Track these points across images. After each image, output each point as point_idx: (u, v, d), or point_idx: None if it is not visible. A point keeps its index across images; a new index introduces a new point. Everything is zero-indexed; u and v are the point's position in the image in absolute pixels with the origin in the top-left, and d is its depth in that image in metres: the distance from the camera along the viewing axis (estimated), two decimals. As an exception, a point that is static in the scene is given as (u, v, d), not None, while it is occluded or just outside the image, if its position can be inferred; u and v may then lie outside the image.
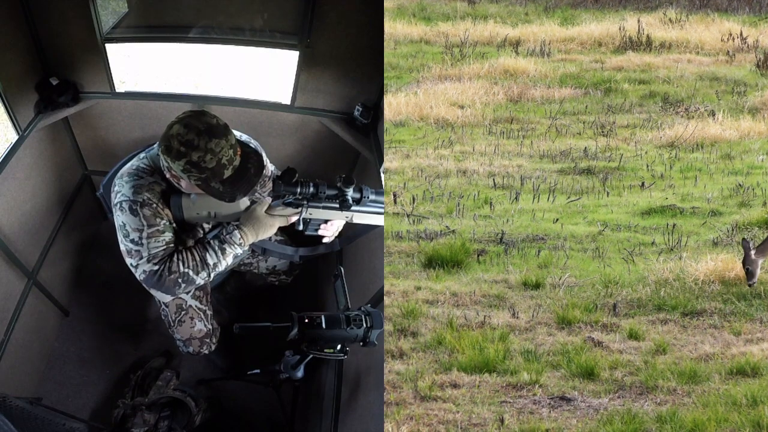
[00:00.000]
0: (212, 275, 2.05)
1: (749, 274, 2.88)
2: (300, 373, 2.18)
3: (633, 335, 2.74)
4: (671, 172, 3.90)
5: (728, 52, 5.16)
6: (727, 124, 4.27)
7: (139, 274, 1.95)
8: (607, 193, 3.71)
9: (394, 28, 5.70)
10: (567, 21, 5.85)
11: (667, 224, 3.36)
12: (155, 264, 1.93)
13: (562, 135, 4.32)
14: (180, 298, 2.41)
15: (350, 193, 1.98)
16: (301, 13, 2.86)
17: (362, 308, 1.84)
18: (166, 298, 1.99)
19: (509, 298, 2.95)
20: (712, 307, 2.88)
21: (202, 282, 2.07)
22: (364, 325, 1.79)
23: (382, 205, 2.09)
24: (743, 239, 2.93)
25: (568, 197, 3.68)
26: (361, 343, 1.82)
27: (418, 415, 2.37)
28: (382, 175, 2.67)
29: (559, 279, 3.03)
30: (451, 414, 2.39)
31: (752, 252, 2.86)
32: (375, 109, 3.00)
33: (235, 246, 2.05)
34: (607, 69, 5.13)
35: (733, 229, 3.34)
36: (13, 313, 2.81)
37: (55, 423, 2.34)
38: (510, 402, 2.45)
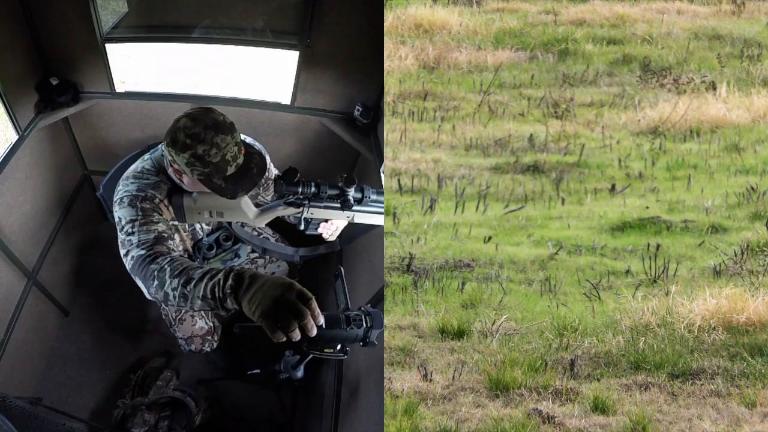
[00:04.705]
0: (170, 299, 1.70)
1: None
2: (300, 373, 2.15)
3: (599, 406, 1.96)
4: (654, 170, 2.85)
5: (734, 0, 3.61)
6: (734, 102, 3.02)
7: (128, 262, 1.85)
8: (563, 200, 2.71)
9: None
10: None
11: (648, 245, 2.43)
12: (142, 249, 1.83)
13: (497, 116, 3.06)
14: None
15: (352, 193, 1.97)
16: (301, 13, 2.85)
17: (362, 308, 1.79)
18: (147, 292, 1.82)
19: (420, 351, 2.14)
20: (714, 365, 2.07)
21: (156, 295, 1.74)
22: (364, 325, 1.73)
23: (383, 205, 2.06)
24: None
25: (506, 206, 2.69)
26: (361, 343, 1.75)
27: None
28: (382, 175, 2.58)
29: (492, 324, 2.20)
30: None
31: None
32: (375, 109, 2.92)
33: (217, 301, 1.59)
34: (562, 23, 3.56)
35: (743, 252, 2.31)
36: (13, 313, 2.80)
37: (55, 423, 2.32)
38: None
